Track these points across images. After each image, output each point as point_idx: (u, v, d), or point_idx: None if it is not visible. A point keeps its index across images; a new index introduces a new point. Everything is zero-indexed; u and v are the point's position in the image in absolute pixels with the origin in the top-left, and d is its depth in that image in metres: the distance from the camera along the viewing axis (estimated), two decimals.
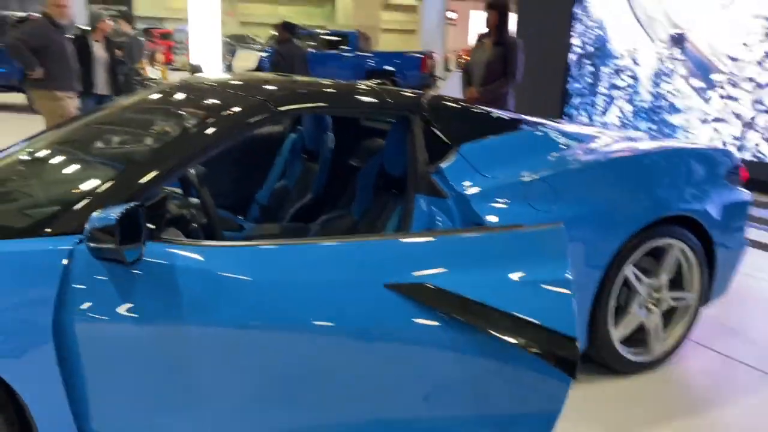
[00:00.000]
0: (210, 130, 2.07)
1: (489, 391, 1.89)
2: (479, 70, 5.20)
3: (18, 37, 5.50)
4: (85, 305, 1.71)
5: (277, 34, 8.28)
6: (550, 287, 1.83)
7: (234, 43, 23.00)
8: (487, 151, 2.59)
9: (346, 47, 15.74)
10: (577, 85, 8.41)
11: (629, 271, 2.81)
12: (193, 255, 1.79)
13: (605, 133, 3.25)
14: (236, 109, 2.17)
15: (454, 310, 1.78)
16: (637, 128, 7.40)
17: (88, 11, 12.68)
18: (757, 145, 6.40)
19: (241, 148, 3.74)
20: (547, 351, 1.76)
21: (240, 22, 34.60)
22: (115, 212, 1.63)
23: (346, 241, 1.92)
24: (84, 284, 1.72)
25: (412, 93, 2.71)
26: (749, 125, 6.43)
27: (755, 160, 6.32)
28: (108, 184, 1.90)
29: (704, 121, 6.82)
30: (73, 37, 6.62)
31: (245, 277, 1.77)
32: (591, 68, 8.24)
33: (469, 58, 5.54)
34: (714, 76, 6.70)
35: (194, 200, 2.58)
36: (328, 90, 2.58)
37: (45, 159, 2.42)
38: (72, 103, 5.78)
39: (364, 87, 2.65)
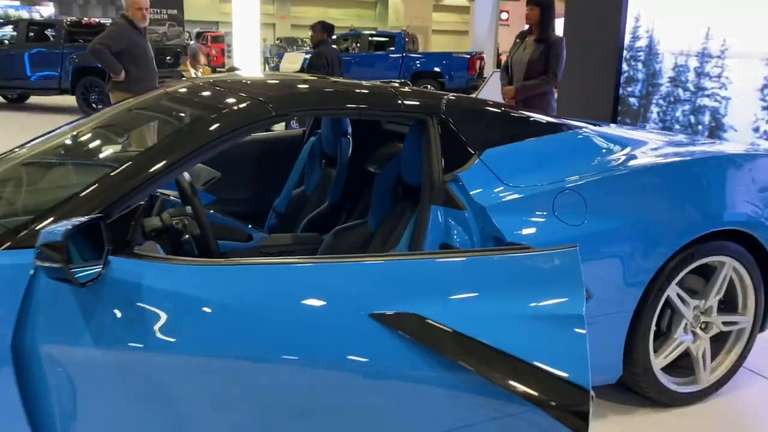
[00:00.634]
0: (192, 135, 1.89)
1: None
2: (519, 69, 4.93)
3: (101, 42, 5.48)
4: (46, 326, 1.55)
5: (312, 34, 8.20)
6: (559, 325, 1.55)
7: (284, 46, 23.20)
8: (513, 157, 2.35)
9: (393, 48, 15.61)
10: (629, 89, 8.01)
11: (672, 291, 2.52)
12: (161, 274, 1.61)
13: (653, 136, 2.98)
14: (227, 111, 1.99)
15: (446, 346, 1.53)
16: (695, 132, 6.98)
17: None
18: None
19: (260, 153, 3.59)
20: (553, 403, 1.48)
21: (291, 25, 34.97)
22: (64, 227, 1.44)
23: (330, 262, 1.69)
24: (45, 304, 1.56)
25: (432, 94, 2.49)
26: None
27: None
28: (72, 194, 1.72)
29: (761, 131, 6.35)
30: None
31: (215, 299, 1.58)
32: (645, 69, 7.83)
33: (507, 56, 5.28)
34: None
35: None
36: (329, 90, 2.38)
37: (28, 165, 2.28)
38: None
39: (376, 87, 2.44)
